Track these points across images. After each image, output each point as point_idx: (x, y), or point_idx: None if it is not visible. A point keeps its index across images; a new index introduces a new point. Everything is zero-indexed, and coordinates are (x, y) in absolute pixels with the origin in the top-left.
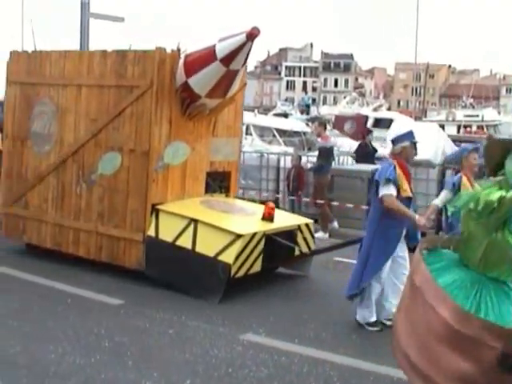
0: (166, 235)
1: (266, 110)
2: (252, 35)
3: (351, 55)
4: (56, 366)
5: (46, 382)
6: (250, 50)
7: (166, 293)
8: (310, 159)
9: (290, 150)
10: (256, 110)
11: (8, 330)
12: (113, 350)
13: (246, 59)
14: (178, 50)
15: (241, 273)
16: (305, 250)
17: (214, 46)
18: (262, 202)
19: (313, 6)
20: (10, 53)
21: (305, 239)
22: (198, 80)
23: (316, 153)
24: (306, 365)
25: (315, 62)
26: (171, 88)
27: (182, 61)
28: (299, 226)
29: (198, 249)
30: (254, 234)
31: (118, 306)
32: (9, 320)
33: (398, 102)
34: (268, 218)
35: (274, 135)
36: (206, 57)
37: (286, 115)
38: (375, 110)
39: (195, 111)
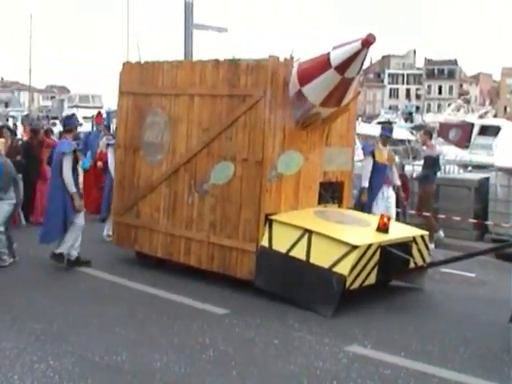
0: (280, 246)
1: (369, 119)
2: (367, 42)
3: (455, 61)
4: (161, 374)
5: None
6: (365, 57)
7: (271, 302)
8: (415, 168)
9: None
10: (360, 118)
11: (115, 337)
12: (217, 359)
13: (361, 67)
14: (291, 58)
15: (355, 284)
16: (419, 262)
17: (329, 53)
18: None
19: (414, 10)
20: (123, 64)
21: (419, 251)
22: (312, 88)
23: (421, 162)
24: (412, 379)
25: (418, 68)
26: (284, 97)
27: (295, 69)
28: (414, 238)
29: (313, 260)
30: (370, 246)
31: (223, 316)
32: (116, 327)
33: (505, 109)
34: (383, 228)
35: None
36: (321, 65)
37: (390, 123)
38: (481, 117)
39: (309, 120)
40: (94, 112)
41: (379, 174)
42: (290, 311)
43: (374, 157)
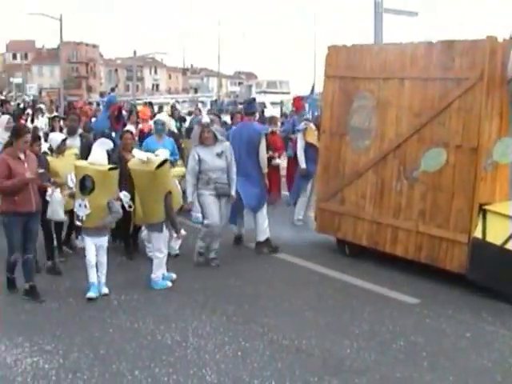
0: (494, 238)
1: None
2: None
3: None
4: (351, 361)
5: (340, 376)
6: None
7: (464, 293)
8: None
9: None
10: None
11: (304, 321)
12: (408, 349)
13: None
14: (511, 38)
15: None
16: None
17: None
18: None
19: None
20: (328, 47)
21: None
22: None
23: None
24: None
25: None
26: (502, 80)
27: None
28: None
29: None
30: None
31: (414, 305)
32: (306, 312)
33: None
34: None
35: None
36: None
37: None
38: None
39: None
40: (283, 97)
41: None
42: (484, 303)
43: None
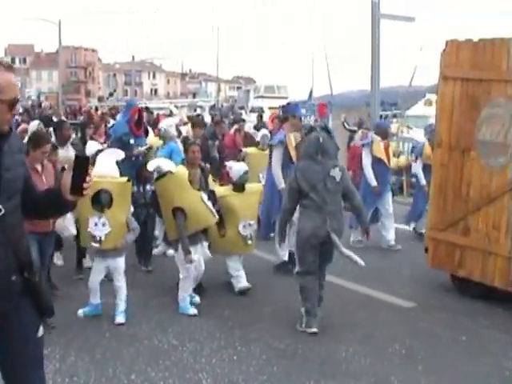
0: None
1: None
2: None
3: None
4: (347, 364)
5: (336, 379)
6: None
7: (459, 298)
8: None
9: None
10: None
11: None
12: (404, 353)
13: None
14: None
15: None
16: None
17: None
18: None
19: None
20: (447, 42)
21: None
22: None
23: None
24: None
25: None
26: None
27: None
28: None
29: None
30: None
31: (409, 309)
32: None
33: None
34: None
35: None
36: None
37: None
38: None
39: None
40: (280, 102)
41: None
42: (478, 307)
43: None
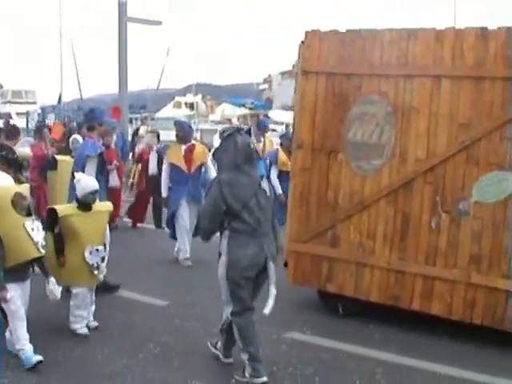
0: None
1: None
2: None
3: None
4: (101, 367)
5: (92, 382)
6: None
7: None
8: None
9: None
10: None
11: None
12: (158, 350)
13: None
14: None
15: None
16: None
17: None
18: None
19: None
20: (306, 33)
21: None
22: None
23: None
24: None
25: None
26: None
27: None
28: None
29: None
30: None
31: (164, 307)
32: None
33: None
34: None
35: None
36: None
37: None
38: None
39: None
40: (28, 108)
41: None
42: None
43: None
